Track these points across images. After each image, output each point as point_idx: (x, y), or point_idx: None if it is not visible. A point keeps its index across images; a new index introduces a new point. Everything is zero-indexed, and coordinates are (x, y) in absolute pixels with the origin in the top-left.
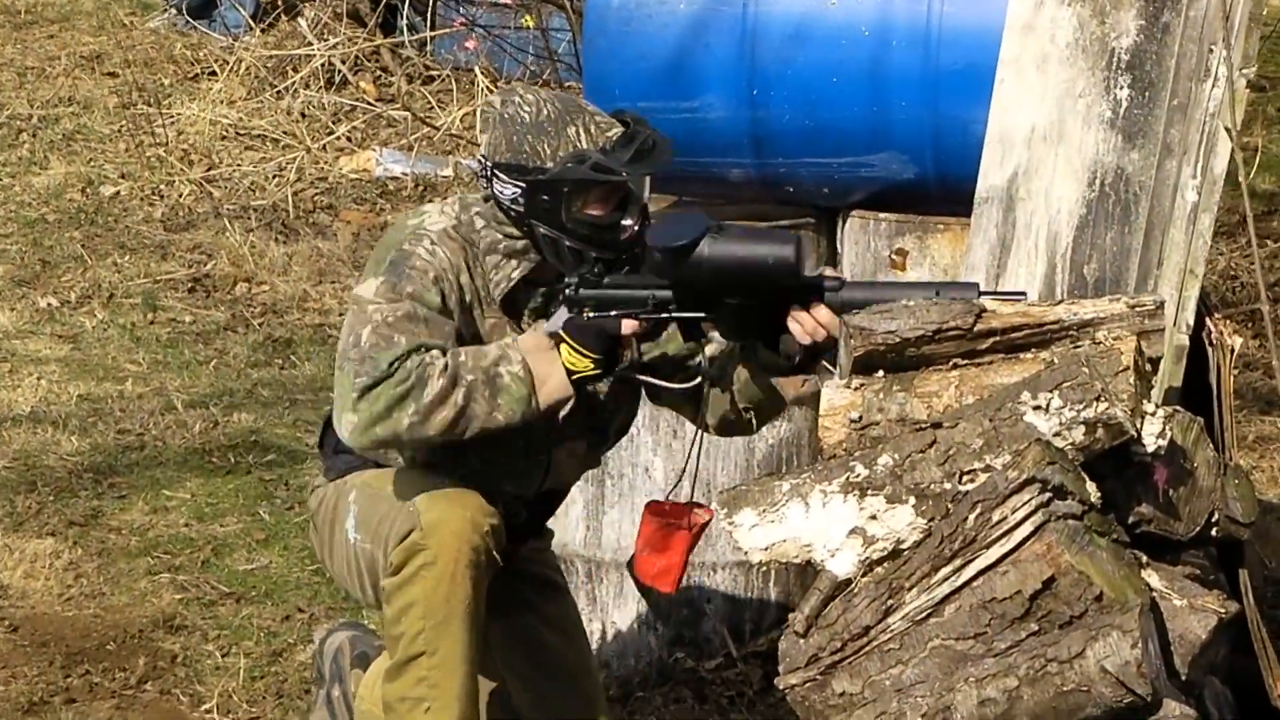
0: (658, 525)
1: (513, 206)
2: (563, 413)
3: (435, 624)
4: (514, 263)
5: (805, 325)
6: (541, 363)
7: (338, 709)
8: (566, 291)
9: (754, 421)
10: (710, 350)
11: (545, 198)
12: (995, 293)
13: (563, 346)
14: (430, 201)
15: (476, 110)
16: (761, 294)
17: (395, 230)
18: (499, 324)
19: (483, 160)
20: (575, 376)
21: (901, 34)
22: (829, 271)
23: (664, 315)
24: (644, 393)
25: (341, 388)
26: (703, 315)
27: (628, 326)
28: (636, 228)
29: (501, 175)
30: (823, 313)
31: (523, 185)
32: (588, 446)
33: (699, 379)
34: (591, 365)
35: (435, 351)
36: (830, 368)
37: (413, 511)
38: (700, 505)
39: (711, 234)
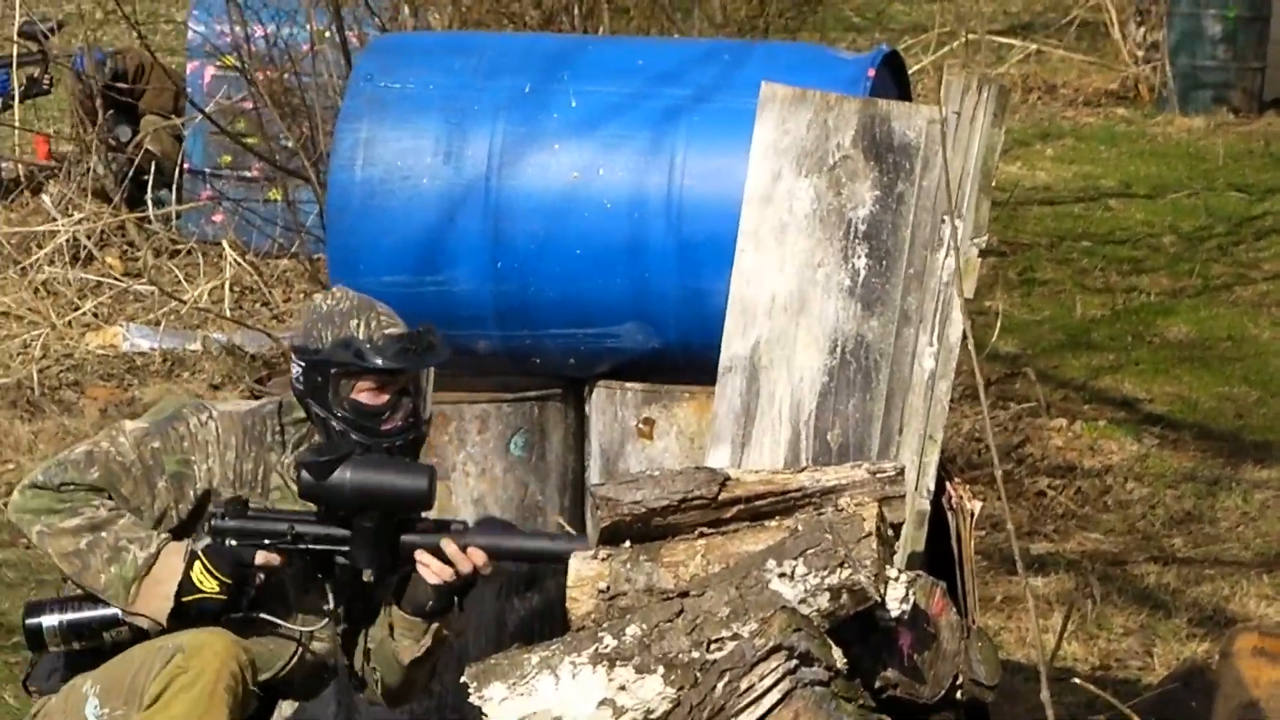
0: None
1: (295, 384)
2: (146, 625)
3: None
4: (297, 451)
5: (433, 565)
6: (166, 568)
7: None
8: (213, 521)
9: (381, 684)
10: (334, 595)
11: (318, 378)
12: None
13: (196, 564)
14: (180, 376)
15: (225, 283)
16: (394, 520)
17: (188, 397)
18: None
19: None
20: (194, 596)
21: (644, 207)
22: (457, 518)
23: (300, 546)
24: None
25: (37, 468)
26: (337, 549)
27: (261, 557)
28: (400, 423)
29: (294, 356)
30: (450, 548)
31: (303, 365)
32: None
33: (325, 620)
34: (218, 588)
35: (110, 503)
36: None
37: (172, 646)
38: None
39: (355, 458)
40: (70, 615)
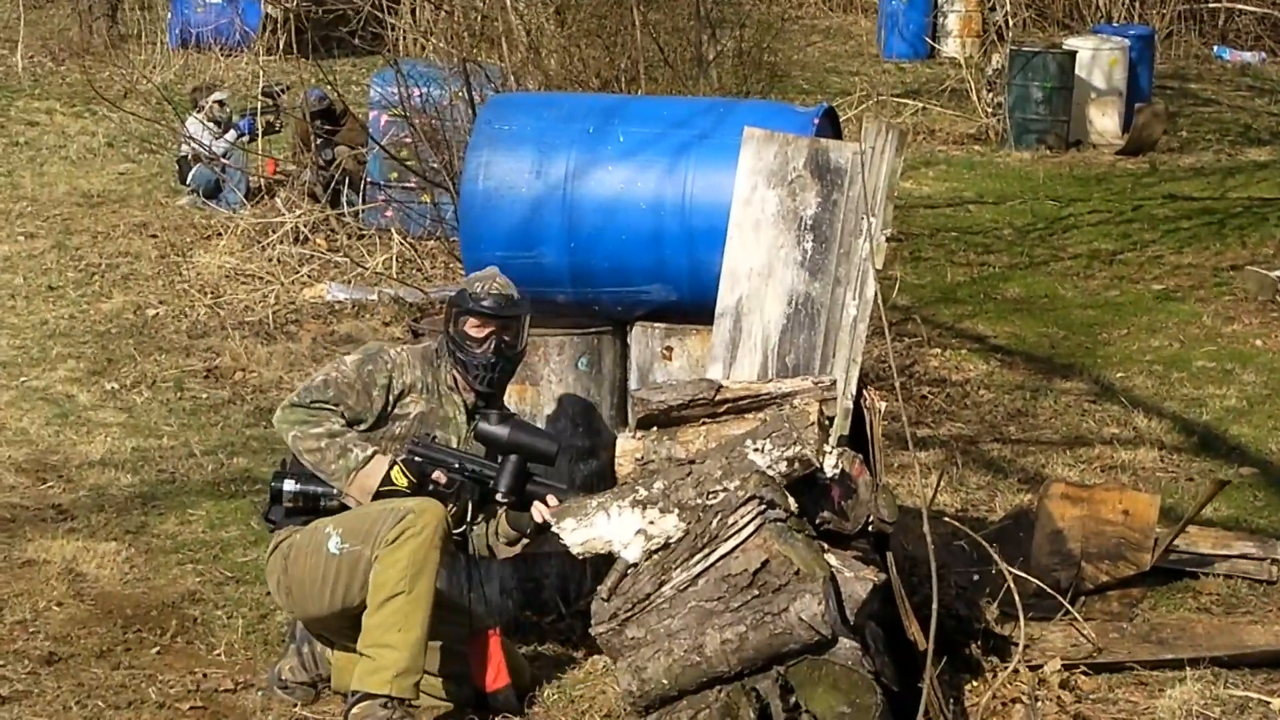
0: (478, 650)
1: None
2: (351, 502)
3: (414, 573)
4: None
5: (542, 513)
6: (375, 465)
7: (306, 661)
8: (410, 445)
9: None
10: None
11: (451, 311)
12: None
13: (394, 468)
14: (364, 317)
15: (393, 256)
16: (527, 466)
17: (383, 341)
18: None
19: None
20: (389, 488)
21: (666, 208)
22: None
23: (464, 473)
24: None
25: (294, 390)
26: (487, 477)
27: (437, 473)
28: (491, 355)
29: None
30: (554, 503)
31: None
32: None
33: (464, 524)
34: (406, 485)
35: (340, 415)
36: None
37: (404, 509)
38: (488, 627)
39: (514, 421)
40: (303, 486)
